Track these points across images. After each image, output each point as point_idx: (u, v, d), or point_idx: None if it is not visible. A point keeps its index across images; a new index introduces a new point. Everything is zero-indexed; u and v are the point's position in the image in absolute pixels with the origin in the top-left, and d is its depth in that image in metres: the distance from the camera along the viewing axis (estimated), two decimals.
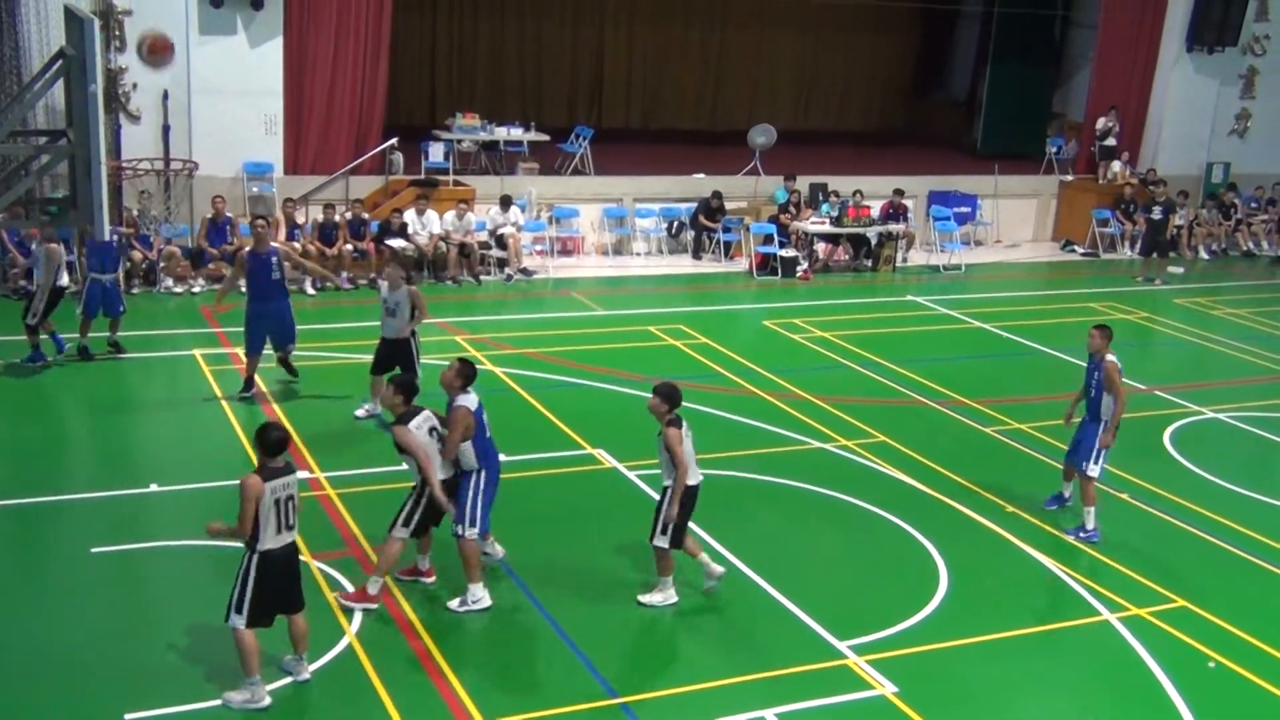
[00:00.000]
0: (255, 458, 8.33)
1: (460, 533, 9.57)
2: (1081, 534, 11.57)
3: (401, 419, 9.45)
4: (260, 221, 14.70)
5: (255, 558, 8.09)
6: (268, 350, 13.95)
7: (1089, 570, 10.95)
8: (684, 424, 9.69)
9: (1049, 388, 16.02)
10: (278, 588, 8.23)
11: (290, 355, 14.20)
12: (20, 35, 17.77)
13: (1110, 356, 11.54)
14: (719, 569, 10.09)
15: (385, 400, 9.96)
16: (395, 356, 13.06)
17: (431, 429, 9.55)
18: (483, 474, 9.65)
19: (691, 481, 9.70)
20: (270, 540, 8.10)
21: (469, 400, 9.60)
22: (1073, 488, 12.08)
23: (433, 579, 10.01)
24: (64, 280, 14.79)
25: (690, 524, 9.96)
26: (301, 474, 11.62)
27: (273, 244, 14.15)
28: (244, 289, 13.97)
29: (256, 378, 13.95)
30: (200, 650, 8.88)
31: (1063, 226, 25.91)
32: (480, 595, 9.67)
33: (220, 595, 8.40)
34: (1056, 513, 12.04)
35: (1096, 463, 11.57)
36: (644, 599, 9.93)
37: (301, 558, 9.87)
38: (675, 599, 9.92)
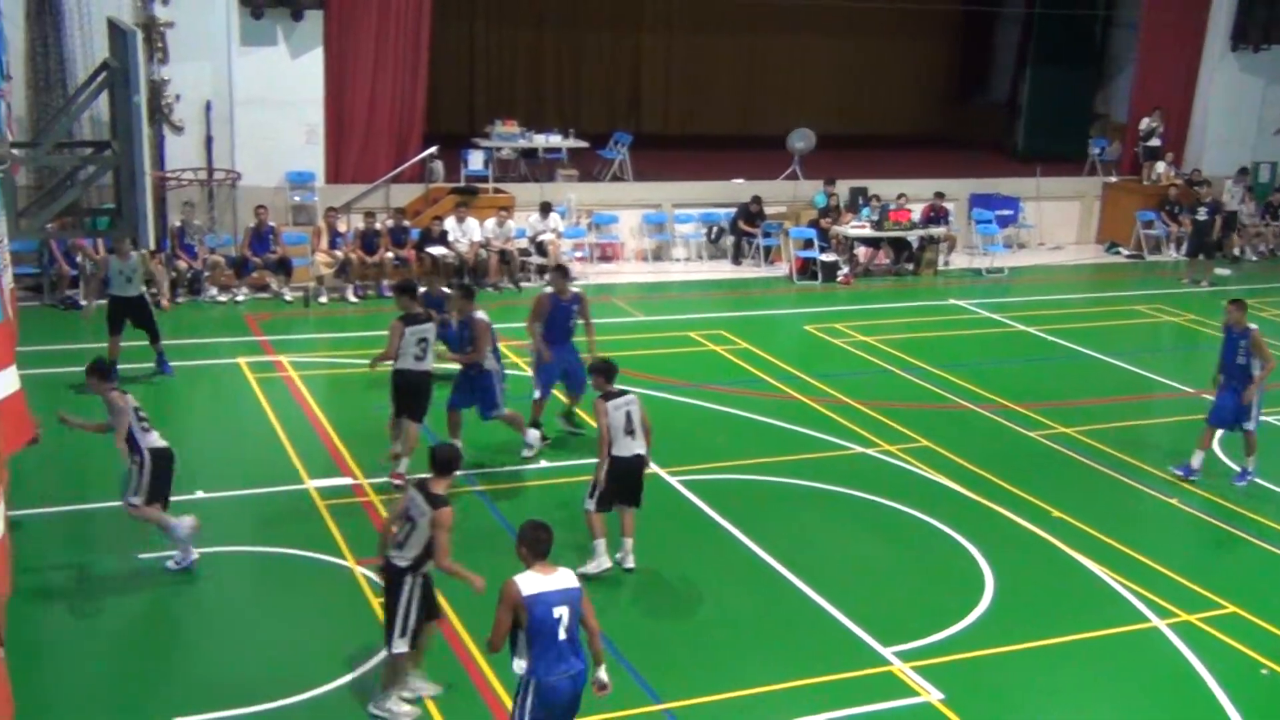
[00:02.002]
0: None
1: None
2: (1240, 480, 12.81)
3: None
4: (562, 269, 13.68)
5: None
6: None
7: (1137, 576, 10.80)
8: (624, 397, 10.19)
9: (1094, 391, 15.87)
10: None
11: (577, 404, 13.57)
12: (65, 48, 18.00)
13: (1252, 325, 12.63)
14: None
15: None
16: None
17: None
18: None
19: (617, 453, 10.10)
20: None
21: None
22: (1203, 458, 12.84)
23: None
24: (132, 290, 14.27)
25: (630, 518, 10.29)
26: (345, 480, 11.82)
27: (574, 291, 13.30)
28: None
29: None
30: (245, 655, 8.94)
31: (1106, 228, 25.65)
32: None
33: (264, 600, 8.47)
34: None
35: (1252, 418, 12.68)
36: (578, 570, 9.92)
37: (345, 563, 9.98)
38: (608, 564, 10.27)
